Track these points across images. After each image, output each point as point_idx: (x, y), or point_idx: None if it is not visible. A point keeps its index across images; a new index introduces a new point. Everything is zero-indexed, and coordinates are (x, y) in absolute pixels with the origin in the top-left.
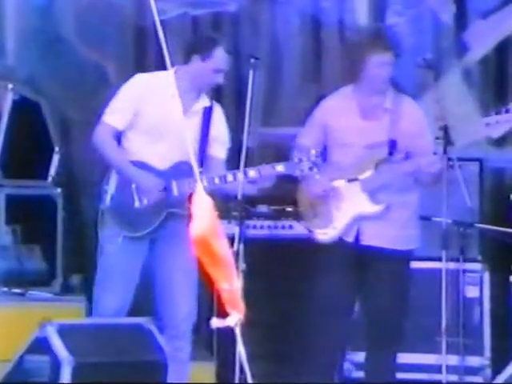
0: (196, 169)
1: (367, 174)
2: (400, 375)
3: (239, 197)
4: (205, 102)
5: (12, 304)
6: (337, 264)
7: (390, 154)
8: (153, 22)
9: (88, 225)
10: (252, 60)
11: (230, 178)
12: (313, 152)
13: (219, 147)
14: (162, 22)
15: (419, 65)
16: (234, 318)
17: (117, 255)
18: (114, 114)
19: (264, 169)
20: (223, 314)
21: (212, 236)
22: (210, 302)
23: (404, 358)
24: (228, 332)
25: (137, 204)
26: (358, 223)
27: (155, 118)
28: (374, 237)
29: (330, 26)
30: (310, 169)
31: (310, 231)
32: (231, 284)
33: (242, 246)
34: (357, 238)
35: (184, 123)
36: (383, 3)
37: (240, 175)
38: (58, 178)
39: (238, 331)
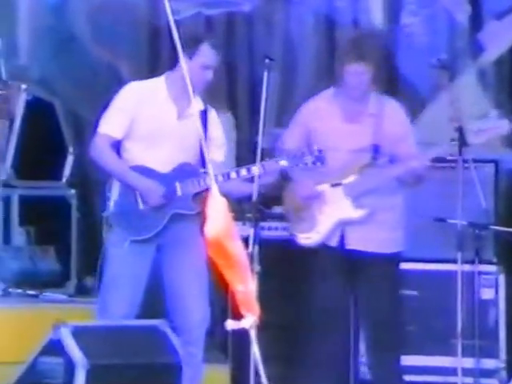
0: (211, 170)
1: (351, 178)
2: (415, 378)
3: (254, 198)
4: (199, 105)
5: (26, 305)
6: (329, 268)
7: (374, 158)
8: (166, 21)
9: (102, 226)
10: (266, 60)
11: (233, 174)
12: (315, 147)
13: (217, 150)
14: (175, 21)
15: (434, 65)
16: (249, 320)
17: (124, 259)
18: (110, 124)
19: (268, 164)
20: (238, 316)
21: (226, 238)
22: (224, 304)
23: (419, 360)
24: (243, 334)
25: (141, 207)
26: (341, 228)
27: (151, 124)
28: (358, 241)
29: (344, 25)
30: (314, 163)
31: (293, 235)
32: (246, 286)
33: (256, 248)
34: (341, 243)
35: (180, 127)
36: (398, 3)
37: (243, 171)
38: (72, 178)
39: (252, 333)
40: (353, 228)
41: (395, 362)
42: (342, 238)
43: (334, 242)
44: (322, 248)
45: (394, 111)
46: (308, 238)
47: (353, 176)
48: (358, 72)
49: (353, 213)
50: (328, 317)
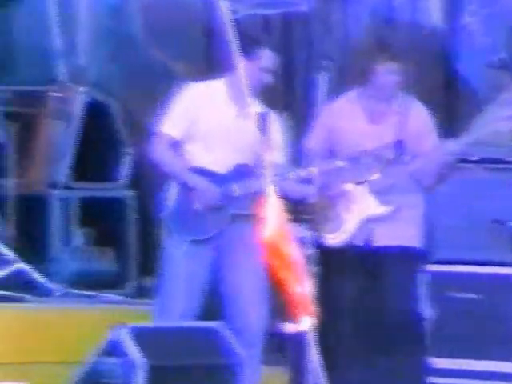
0: (268, 172)
1: (375, 175)
2: (476, 383)
3: (311, 199)
4: (258, 107)
5: (84, 306)
6: (355, 266)
7: (398, 155)
8: (223, 22)
9: (160, 227)
10: (323, 61)
11: (290, 176)
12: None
13: (275, 153)
14: (232, 22)
15: (493, 65)
16: (306, 323)
17: (181, 261)
18: (170, 124)
19: (324, 165)
20: (295, 319)
21: (282, 239)
22: (281, 306)
23: (479, 365)
24: (301, 336)
25: (198, 208)
26: (368, 225)
27: (210, 125)
28: (384, 237)
29: (402, 25)
30: (371, 164)
31: (319, 236)
32: (303, 288)
33: (313, 250)
34: (368, 241)
35: (241, 128)
36: (458, 2)
37: (302, 172)
38: (130, 180)
39: (310, 336)
40: (379, 225)
41: (419, 362)
42: (369, 236)
43: (360, 241)
44: (349, 247)
45: (417, 109)
46: (335, 237)
47: (377, 173)
48: (387, 72)
49: (378, 209)
50: (352, 316)
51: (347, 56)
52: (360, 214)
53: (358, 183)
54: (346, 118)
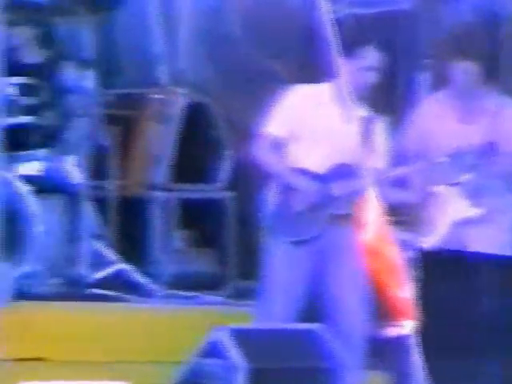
0: (369, 175)
1: (467, 177)
2: None
3: (410, 201)
4: (363, 111)
5: (184, 307)
6: (447, 271)
7: (490, 156)
8: (322, 21)
9: (259, 229)
10: (425, 60)
11: (391, 178)
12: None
13: (377, 156)
14: (332, 21)
15: None
16: (408, 326)
17: (282, 262)
18: (275, 125)
19: (426, 163)
20: (396, 322)
21: (383, 242)
22: (382, 309)
23: None
24: (403, 340)
25: (298, 209)
26: (460, 229)
27: (314, 127)
28: (478, 242)
29: (508, 21)
30: (477, 161)
31: (411, 239)
32: (404, 291)
33: (414, 253)
34: (460, 244)
35: (344, 130)
36: None
37: (400, 172)
38: (229, 181)
39: (411, 339)
40: (470, 229)
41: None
42: (460, 240)
43: (452, 244)
44: (442, 250)
45: (509, 108)
46: (428, 240)
47: (469, 175)
48: (465, 70)
49: (469, 212)
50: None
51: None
52: (451, 217)
53: (450, 185)
54: (437, 118)
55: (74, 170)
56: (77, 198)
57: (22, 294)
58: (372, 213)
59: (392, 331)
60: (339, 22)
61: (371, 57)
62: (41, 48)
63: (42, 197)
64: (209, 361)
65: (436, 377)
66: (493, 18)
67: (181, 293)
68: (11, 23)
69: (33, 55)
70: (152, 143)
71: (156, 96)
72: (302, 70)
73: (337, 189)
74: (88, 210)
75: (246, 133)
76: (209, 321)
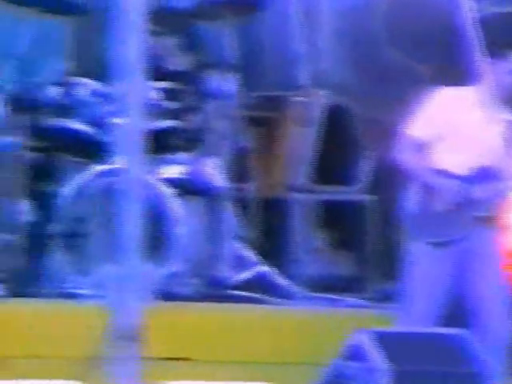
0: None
1: None
2: None
3: None
4: (507, 114)
5: (324, 309)
6: None
7: None
8: (465, 20)
9: (400, 232)
10: None
11: None
12: None
13: None
14: (476, 20)
15: None
16: None
17: (424, 264)
18: (420, 127)
19: None
20: None
21: None
22: None
23: None
24: None
25: (439, 210)
26: None
27: (458, 129)
28: None
29: None
30: None
31: None
32: None
33: None
34: None
35: (488, 133)
36: None
37: None
38: (370, 183)
39: None
40: None
41: None
42: None
43: None
44: None
45: None
46: None
47: None
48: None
49: None
50: None
51: None
52: None
53: None
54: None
55: (215, 172)
56: (218, 199)
57: (166, 295)
58: None
59: None
60: (484, 22)
61: None
62: (185, 54)
63: (184, 199)
64: (351, 363)
65: None
66: None
67: (323, 295)
68: (156, 31)
69: (177, 61)
70: (293, 145)
71: (297, 98)
72: (445, 71)
73: (478, 191)
74: (229, 212)
75: (386, 134)
76: (350, 323)
